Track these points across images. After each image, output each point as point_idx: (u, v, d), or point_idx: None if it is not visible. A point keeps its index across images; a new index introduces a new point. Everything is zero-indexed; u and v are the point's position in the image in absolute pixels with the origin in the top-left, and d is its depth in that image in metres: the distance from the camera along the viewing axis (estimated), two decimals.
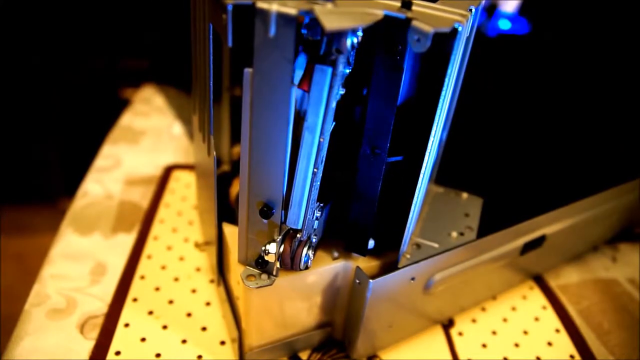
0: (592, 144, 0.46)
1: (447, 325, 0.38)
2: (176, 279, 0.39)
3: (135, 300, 0.37)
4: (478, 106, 0.48)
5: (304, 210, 0.26)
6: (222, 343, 0.35)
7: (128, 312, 0.36)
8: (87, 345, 0.33)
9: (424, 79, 0.27)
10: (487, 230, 0.35)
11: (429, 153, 0.27)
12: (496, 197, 0.39)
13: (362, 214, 0.29)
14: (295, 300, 0.31)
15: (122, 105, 0.65)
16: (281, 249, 0.28)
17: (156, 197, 0.48)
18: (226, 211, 0.34)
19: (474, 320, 0.39)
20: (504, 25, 0.53)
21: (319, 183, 0.26)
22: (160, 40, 0.74)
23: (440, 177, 0.39)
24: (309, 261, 0.29)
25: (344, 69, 0.23)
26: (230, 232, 0.33)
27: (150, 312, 0.36)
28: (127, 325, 0.35)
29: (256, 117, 0.24)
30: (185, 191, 0.49)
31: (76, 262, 0.40)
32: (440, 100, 0.25)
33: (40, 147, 1.09)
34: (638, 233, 0.50)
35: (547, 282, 0.43)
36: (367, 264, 0.31)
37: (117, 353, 0.33)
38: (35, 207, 1.14)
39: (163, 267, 0.40)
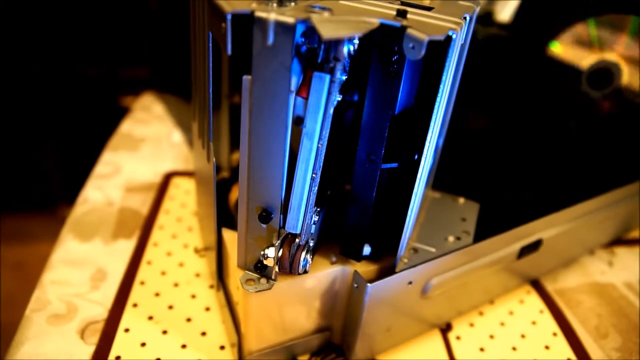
0: (588, 148, 0.46)
1: (445, 329, 0.39)
2: (176, 285, 0.40)
3: (135, 305, 0.38)
4: (475, 111, 0.49)
5: (303, 214, 0.26)
6: (222, 348, 0.35)
7: (128, 317, 0.36)
8: (88, 350, 0.34)
9: (420, 87, 0.27)
10: (483, 235, 0.35)
11: (426, 159, 0.27)
12: (493, 202, 0.40)
13: (357, 219, 0.30)
14: (294, 305, 0.32)
15: (121, 112, 0.65)
16: (280, 253, 0.28)
17: (156, 204, 0.49)
18: (225, 217, 0.35)
19: (471, 324, 0.39)
20: None
21: (317, 188, 0.26)
22: (160, 48, 0.75)
23: (437, 182, 0.39)
24: (307, 265, 0.29)
25: (341, 76, 0.23)
26: (230, 237, 0.33)
27: (150, 317, 0.37)
28: (127, 330, 0.35)
29: (255, 123, 0.24)
30: (184, 198, 0.50)
31: (76, 268, 0.40)
32: (436, 107, 0.26)
33: (40, 155, 1.09)
34: (635, 237, 0.51)
35: (544, 286, 0.44)
36: (364, 268, 0.31)
37: (118, 358, 0.33)
38: (35, 214, 1.14)
39: (163, 273, 0.41)
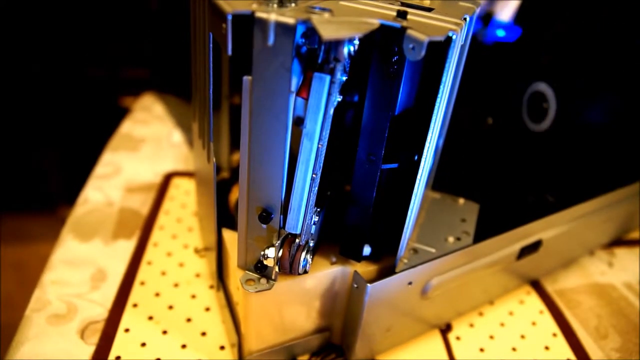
0: (587, 149, 0.46)
1: (445, 329, 0.39)
2: (176, 285, 0.40)
3: (135, 305, 0.38)
4: (474, 111, 0.49)
5: (303, 215, 0.27)
6: (222, 348, 0.35)
7: (128, 318, 0.36)
8: (88, 350, 0.34)
9: (420, 87, 0.28)
10: (483, 235, 0.35)
11: (425, 159, 0.27)
12: (492, 203, 0.40)
13: (357, 219, 0.30)
14: (294, 305, 0.32)
15: (122, 113, 0.65)
16: (280, 254, 0.28)
17: (156, 204, 0.49)
18: (225, 217, 0.35)
19: (471, 325, 0.39)
20: (500, 33, 0.54)
21: (317, 188, 0.26)
22: (160, 48, 0.75)
23: (437, 183, 0.39)
24: (307, 265, 0.29)
25: (341, 77, 0.23)
26: (230, 237, 0.33)
27: (150, 318, 0.37)
28: (127, 330, 0.36)
29: (255, 124, 0.24)
30: (184, 198, 0.50)
31: (77, 268, 0.40)
32: (436, 108, 0.26)
33: (40, 155, 1.09)
34: (635, 238, 0.51)
35: (543, 286, 0.44)
36: (364, 268, 0.31)
37: (118, 358, 0.33)
38: (35, 215, 1.14)
39: (163, 273, 0.41)
